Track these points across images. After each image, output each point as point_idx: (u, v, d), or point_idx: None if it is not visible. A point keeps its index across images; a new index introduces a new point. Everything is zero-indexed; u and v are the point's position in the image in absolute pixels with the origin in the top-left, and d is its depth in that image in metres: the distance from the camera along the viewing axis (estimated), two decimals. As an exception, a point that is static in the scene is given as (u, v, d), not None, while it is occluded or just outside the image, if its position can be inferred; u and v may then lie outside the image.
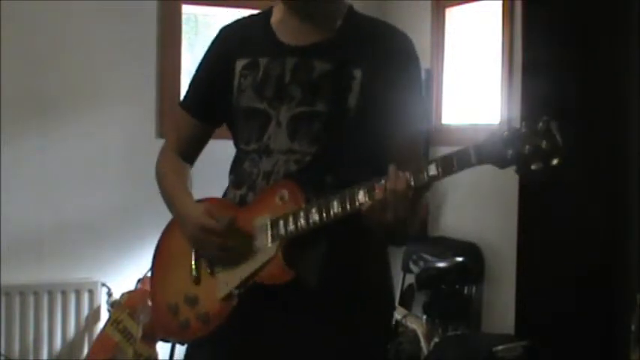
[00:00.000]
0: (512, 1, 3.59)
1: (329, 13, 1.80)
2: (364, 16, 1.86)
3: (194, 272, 1.81)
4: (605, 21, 3.00)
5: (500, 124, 3.64)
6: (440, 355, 3.39)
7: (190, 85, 1.97)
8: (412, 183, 1.53)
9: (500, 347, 3.16)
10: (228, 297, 1.74)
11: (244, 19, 1.97)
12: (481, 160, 1.47)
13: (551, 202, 3.18)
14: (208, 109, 1.92)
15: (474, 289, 3.71)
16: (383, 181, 1.55)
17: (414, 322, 3.67)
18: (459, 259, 3.65)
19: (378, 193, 1.55)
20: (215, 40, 1.93)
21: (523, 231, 3.33)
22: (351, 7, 1.84)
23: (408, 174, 1.54)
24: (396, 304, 3.85)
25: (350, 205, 1.60)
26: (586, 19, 3.05)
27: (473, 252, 3.71)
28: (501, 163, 1.46)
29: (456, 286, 3.72)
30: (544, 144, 1.41)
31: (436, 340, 3.50)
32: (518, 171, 1.46)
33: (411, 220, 1.59)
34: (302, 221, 1.66)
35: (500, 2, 3.70)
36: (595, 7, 3.01)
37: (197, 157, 1.98)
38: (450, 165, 1.50)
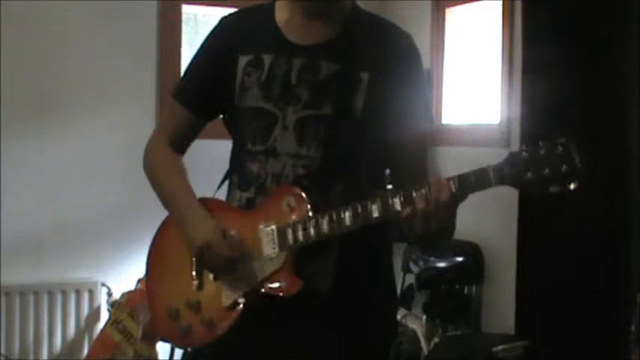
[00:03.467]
0: (512, 1, 3.59)
1: (335, 12, 1.77)
2: (368, 14, 1.83)
3: (195, 277, 1.77)
4: (605, 21, 3.00)
5: (500, 123, 3.64)
6: (440, 355, 3.39)
7: (186, 77, 1.91)
8: (454, 189, 1.51)
9: (500, 347, 3.17)
10: (234, 305, 1.71)
11: (246, 11, 1.89)
12: (500, 181, 1.47)
13: (551, 201, 3.17)
14: (205, 103, 1.86)
15: (474, 289, 3.70)
16: (423, 190, 1.52)
17: (414, 322, 3.67)
18: (459, 259, 3.65)
19: (420, 202, 1.52)
20: (215, 32, 1.87)
21: (523, 231, 3.33)
22: (354, 5, 1.82)
23: (452, 182, 1.51)
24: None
25: (363, 217, 1.57)
26: (586, 18, 3.05)
27: (473, 252, 3.71)
28: (520, 185, 1.46)
29: (456, 286, 3.72)
30: (564, 168, 1.42)
31: (436, 340, 3.50)
32: (536, 193, 1.46)
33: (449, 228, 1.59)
34: (311, 231, 1.63)
35: (500, 2, 3.70)
36: (595, 6, 3.01)
37: (188, 147, 1.93)
38: (469, 183, 1.50)
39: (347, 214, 1.59)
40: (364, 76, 1.72)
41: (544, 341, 3.14)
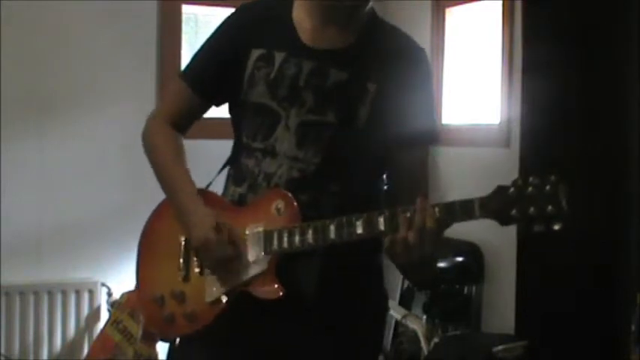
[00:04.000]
0: (512, 1, 3.59)
1: (353, 20, 1.74)
2: (384, 24, 1.81)
3: (182, 269, 1.77)
4: (605, 21, 3.00)
5: (500, 123, 3.64)
6: (440, 355, 3.39)
7: (197, 59, 1.87)
8: (438, 215, 1.49)
9: (500, 347, 3.17)
10: (216, 302, 1.71)
11: (266, 2, 1.86)
12: (485, 214, 1.46)
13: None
14: (212, 88, 1.84)
15: (474, 289, 3.71)
16: (408, 213, 1.50)
17: (414, 322, 3.67)
18: (459, 259, 3.65)
19: (403, 224, 1.50)
20: (233, 19, 1.84)
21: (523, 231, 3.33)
22: (373, 13, 1.79)
23: (436, 209, 1.49)
24: (396, 304, 3.86)
25: (347, 233, 1.57)
26: (586, 19, 3.05)
27: (473, 252, 3.71)
28: (504, 221, 1.46)
29: (456, 286, 3.72)
30: (549, 208, 1.39)
31: (436, 340, 3.50)
32: (518, 228, 1.46)
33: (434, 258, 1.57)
34: (296, 240, 1.63)
35: (500, 2, 3.70)
36: (595, 7, 3.01)
37: (188, 129, 1.91)
38: (454, 212, 1.49)
39: (332, 227, 1.59)
40: (372, 87, 1.71)
41: (544, 341, 3.14)
